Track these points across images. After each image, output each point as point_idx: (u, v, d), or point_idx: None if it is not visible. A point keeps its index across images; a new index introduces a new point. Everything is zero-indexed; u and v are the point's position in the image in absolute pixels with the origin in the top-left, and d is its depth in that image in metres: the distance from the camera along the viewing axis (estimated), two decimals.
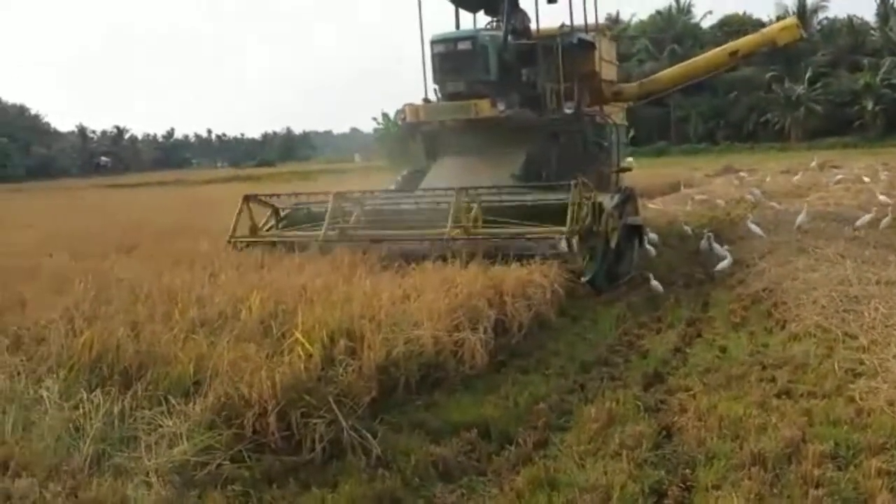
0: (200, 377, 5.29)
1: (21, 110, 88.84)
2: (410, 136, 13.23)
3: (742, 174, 27.42)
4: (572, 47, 12.22)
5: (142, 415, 5.06)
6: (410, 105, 12.31)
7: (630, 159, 16.73)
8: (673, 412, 5.58)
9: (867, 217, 12.91)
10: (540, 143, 12.07)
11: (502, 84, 11.58)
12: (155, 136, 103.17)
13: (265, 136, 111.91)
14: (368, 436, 4.95)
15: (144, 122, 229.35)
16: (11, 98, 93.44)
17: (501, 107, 11.22)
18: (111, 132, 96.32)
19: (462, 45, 11.48)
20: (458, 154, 12.32)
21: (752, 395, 5.78)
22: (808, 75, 54.49)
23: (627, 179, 14.25)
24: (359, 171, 36.90)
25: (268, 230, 10.88)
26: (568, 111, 12.10)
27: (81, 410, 5.13)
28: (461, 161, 12.08)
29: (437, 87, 12.06)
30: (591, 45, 12.84)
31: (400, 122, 13.11)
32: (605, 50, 13.63)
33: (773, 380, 6.14)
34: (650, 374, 6.54)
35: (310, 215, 10.77)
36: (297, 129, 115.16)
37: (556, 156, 12.14)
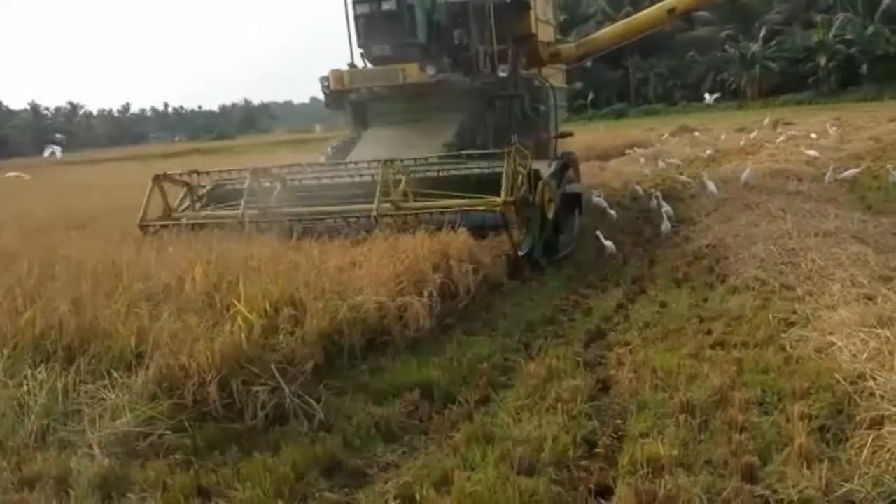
0: (142, 350, 5.33)
1: None
2: (338, 105, 12.42)
3: (696, 133, 27.72)
4: (506, 7, 11.85)
5: (85, 389, 5.10)
6: (334, 71, 11.51)
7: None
8: (610, 366, 5.76)
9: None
10: (474, 109, 11.66)
11: (432, 47, 11.15)
12: (111, 111, 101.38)
13: (223, 108, 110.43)
14: (312, 401, 5.03)
15: (99, 97, 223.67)
16: None
17: (431, 71, 10.69)
18: (65, 108, 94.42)
19: (386, 6, 10.68)
20: (387, 123, 11.87)
21: (687, 347, 5.97)
22: (762, 33, 54.94)
23: (570, 144, 14.03)
24: (318, 141, 36.61)
25: (183, 210, 10.19)
26: (502, 74, 11.58)
27: (26, 387, 5.15)
28: (391, 130, 11.65)
29: (362, 51, 11.39)
30: (525, 5, 12.42)
31: (324, 91, 11.77)
32: (541, 9, 13.20)
33: (709, 332, 6.35)
34: (592, 330, 6.73)
35: (231, 193, 10.01)
36: (256, 101, 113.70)
37: (492, 122, 11.82)
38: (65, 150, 73.60)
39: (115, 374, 5.12)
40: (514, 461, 4.16)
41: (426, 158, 9.53)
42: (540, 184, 9.09)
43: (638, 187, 14.80)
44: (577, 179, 11.86)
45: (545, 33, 13.54)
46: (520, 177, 8.65)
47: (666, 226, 10.61)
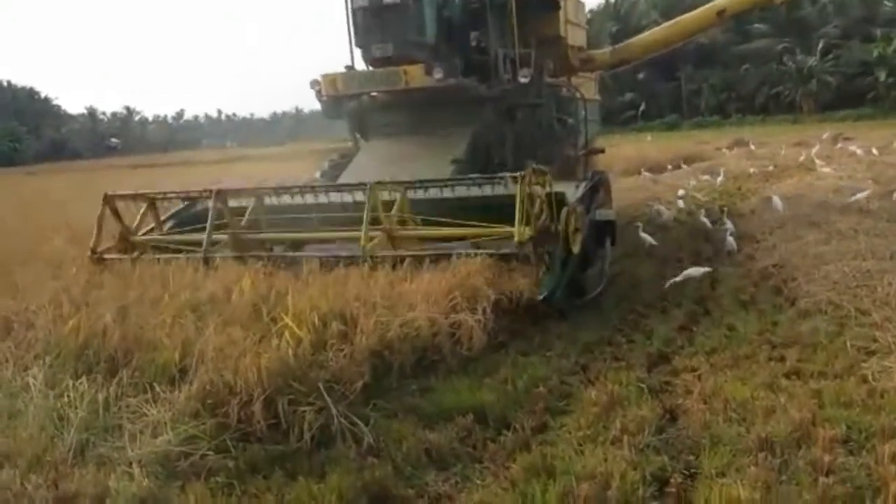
0: (186, 363, 5.15)
1: (31, 93, 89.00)
2: (336, 114, 10.86)
3: (752, 147, 26.99)
4: (531, 6, 10.54)
5: (126, 403, 4.96)
6: (326, 75, 10.10)
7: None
8: (677, 394, 5.40)
9: (863, 193, 12.13)
10: (489, 120, 10.17)
11: (441, 48, 9.71)
12: (165, 117, 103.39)
13: (274, 115, 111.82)
14: (359, 422, 4.79)
15: (154, 104, 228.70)
16: (21, 81, 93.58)
17: (438, 75, 9.22)
18: (121, 113, 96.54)
19: None
20: (389, 136, 10.43)
21: (759, 375, 5.58)
22: (819, 47, 53.58)
23: (615, 158, 12.92)
24: None
25: (144, 234, 8.69)
26: (523, 80, 10.10)
27: (66, 399, 5.03)
28: (392, 144, 10.24)
29: (361, 51, 9.91)
30: (555, 4, 11.18)
31: (318, 97, 10.37)
32: (572, 11, 11.92)
33: (783, 359, 5.94)
34: (654, 354, 6.35)
35: (203, 214, 8.37)
36: (307, 109, 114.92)
37: (511, 136, 10.37)
38: (119, 154, 75.21)
39: (157, 389, 4.97)
40: (577, 499, 3.85)
41: (422, 182, 8.01)
42: (564, 211, 7.53)
43: (687, 202, 14.23)
44: (609, 204, 9.92)
45: (576, 37, 12.34)
46: (538, 202, 7.33)
47: (730, 242, 10.09)
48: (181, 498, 4.08)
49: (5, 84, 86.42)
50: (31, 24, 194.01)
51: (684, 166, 21.90)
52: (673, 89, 56.80)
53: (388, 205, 7.63)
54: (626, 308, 8.06)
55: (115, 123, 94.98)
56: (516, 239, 6.87)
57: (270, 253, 7.97)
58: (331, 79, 10.04)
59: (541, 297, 6.92)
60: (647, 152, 26.07)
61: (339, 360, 5.19)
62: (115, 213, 8.57)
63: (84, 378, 5.16)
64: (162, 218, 8.92)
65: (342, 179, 9.65)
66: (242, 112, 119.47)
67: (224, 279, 6.88)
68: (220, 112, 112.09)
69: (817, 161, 18.41)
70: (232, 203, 8.34)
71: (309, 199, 8.32)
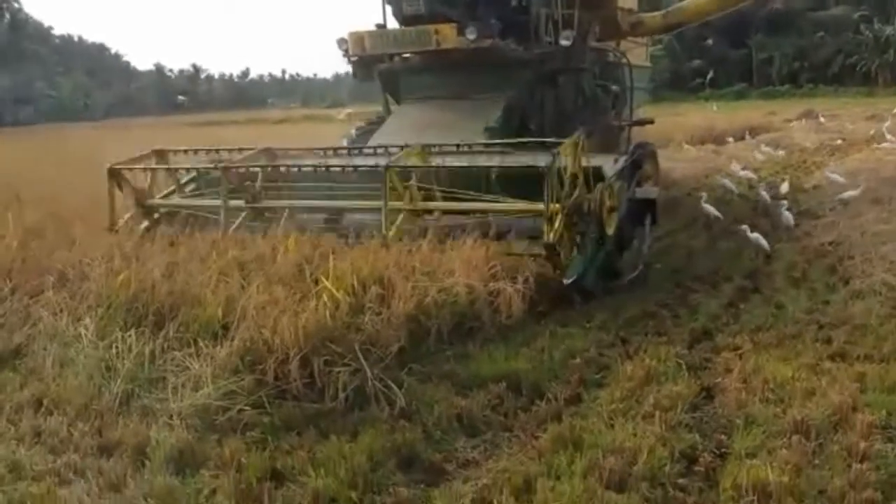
0: (229, 320, 5.27)
1: (101, 49, 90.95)
2: (367, 75, 10.27)
3: (822, 119, 26.05)
4: None
5: (171, 356, 5.12)
6: (354, 33, 9.52)
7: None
8: (717, 372, 5.32)
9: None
10: (527, 85, 9.60)
11: (478, 7, 9.19)
12: (231, 75, 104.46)
13: (336, 76, 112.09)
14: (393, 386, 4.85)
15: (221, 62, 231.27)
16: (91, 37, 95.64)
17: (471, 35, 8.65)
18: (188, 71, 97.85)
19: None
20: (420, 100, 9.85)
21: (803, 356, 5.45)
22: None
23: (678, 127, 12.29)
24: None
25: (163, 197, 8.37)
26: (565, 43, 9.47)
27: (115, 350, 5.21)
28: (422, 110, 9.65)
29: (392, 6, 9.44)
30: None
31: (346, 58, 9.74)
32: None
33: (829, 341, 5.79)
34: (698, 330, 6.26)
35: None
36: None
37: (550, 103, 9.77)
38: (186, 110, 76.48)
39: (200, 343, 5.10)
40: (603, 473, 3.83)
41: (439, 147, 7.59)
42: (599, 187, 7.00)
43: (752, 175, 13.84)
44: (654, 179, 8.85)
45: None
46: (570, 177, 6.80)
47: (787, 217, 9.79)
48: (217, 451, 4.20)
49: (76, 39, 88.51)
50: None
51: (748, 138, 21.28)
52: (743, 57, 54.94)
53: (411, 173, 7.19)
54: (674, 281, 7.94)
55: (181, 81, 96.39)
56: (545, 228, 6.42)
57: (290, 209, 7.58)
58: (357, 37, 9.50)
59: (568, 281, 6.60)
60: (713, 122, 25.39)
61: (376, 324, 5.26)
62: (120, 188, 8.19)
63: (132, 330, 5.33)
64: (182, 181, 8.56)
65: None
66: (306, 72, 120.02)
67: (272, 238, 6.99)
68: (284, 72, 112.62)
69: (888, 136, 17.68)
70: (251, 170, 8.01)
71: (333, 163, 8.03)
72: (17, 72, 70.19)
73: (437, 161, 7.47)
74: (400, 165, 7.18)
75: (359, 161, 7.94)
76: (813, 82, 52.48)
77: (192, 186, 8.54)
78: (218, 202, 7.69)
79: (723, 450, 4.19)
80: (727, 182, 12.69)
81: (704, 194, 10.82)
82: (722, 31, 49.92)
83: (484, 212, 6.93)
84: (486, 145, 7.96)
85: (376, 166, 7.18)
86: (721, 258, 8.80)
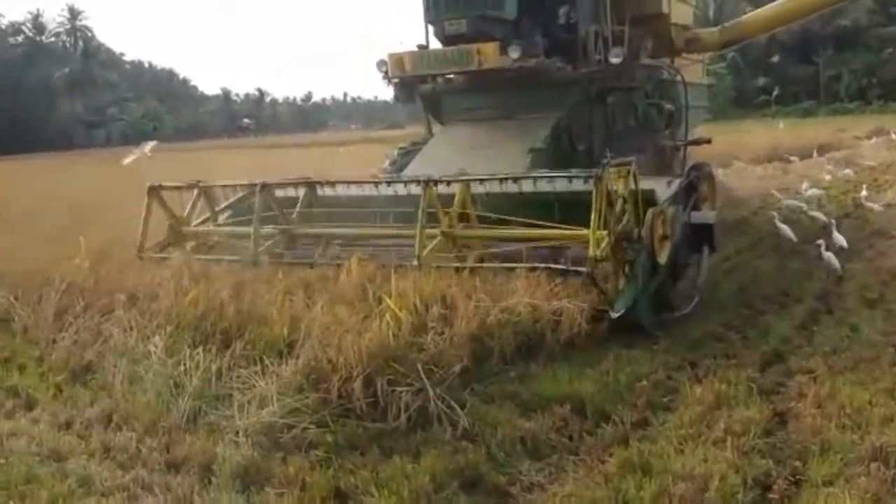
0: (294, 339, 5.32)
1: (170, 74, 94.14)
2: (409, 98, 10.19)
3: (894, 136, 25.21)
4: None
5: (238, 374, 5.18)
6: (393, 54, 9.26)
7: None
8: (790, 397, 5.13)
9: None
10: (575, 105, 9.28)
11: (523, 25, 8.88)
12: (294, 99, 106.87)
13: (396, 98, 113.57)
14: (456, 406, 4.82)
15: (285, 86, 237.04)
16: (161, 63, 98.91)
17: (515, 54, 8.36)
18: (253, 95, 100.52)
19: None
20: (463, 122, 9.65)
21: (882, 381, 5.22)
22: None
23: (742, 147, 11.79)
24: None
25: (198, 225, 8.27)
26: (615, 61, 9.17)
27: (183, 367, 5.29)
28: (465, 131, 9.46)
29: (433, 27, 9.10)
30: None
31: (386, 79, 9.53)
32: None
33: None
34: (769, 353, 6.05)
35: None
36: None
37: (600, 123, 9.47)
38: (251, 133, 78.49)
39: (266, 362, 5.15)
40: (673, 499, 3.74)
41: (469, 175, 7.07)
42: (650, 213, 6.53)
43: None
44: (711, 203, 8.11)
45: (680, 14, 11.26)
46: (620, 201, 6.46)
47: (838, 238, 9.03)
48: (282, 469, 4.22)
49: (146, 65, 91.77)
50: (170, 6, 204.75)
51: (816, 155, 20.72)
52: (810, 74, 53.77)
53: (451, 199, 6.89)
54: (742, 302, 7.72)
55: (247, 105, 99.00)
56: (590, 253, 6.08)
57: (313, 260, 7.33)
58: (397, 59, 9.23)
59: (616, 314, 6.14)
60: (779, 140, 24.82)
61: (439, 344, 5.23)
62: (164, 205, 8.15)
63: (200, 348, 5.42)
64: (218, 208, 8.44)
65: (410, 168, 9.09)
66: (366, 95, 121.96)
67: (336, 257, 7.05)
68: (345, 94, 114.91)
69: None
70: (290, 193, 7.99)
71: (367, 190, 7.85)
72: (90, 97, 73.13)
73: (476, 187, 7.13)
74: (439, 179, 6.94)
75: (398, 188, 7.66)
76: (883, 99, 50.99)
77: (226, 214, 8.43)
78: (242, 230, 7.59)
79: (798, 477, 4.03)
80: (793, 202, 12.33)
81: (776, 213, 10.52)
82: (788, 48, 49.04)
83: (526, 239, 6.66)
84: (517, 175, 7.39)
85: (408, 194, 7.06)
86: (790, 278, 8.54)
